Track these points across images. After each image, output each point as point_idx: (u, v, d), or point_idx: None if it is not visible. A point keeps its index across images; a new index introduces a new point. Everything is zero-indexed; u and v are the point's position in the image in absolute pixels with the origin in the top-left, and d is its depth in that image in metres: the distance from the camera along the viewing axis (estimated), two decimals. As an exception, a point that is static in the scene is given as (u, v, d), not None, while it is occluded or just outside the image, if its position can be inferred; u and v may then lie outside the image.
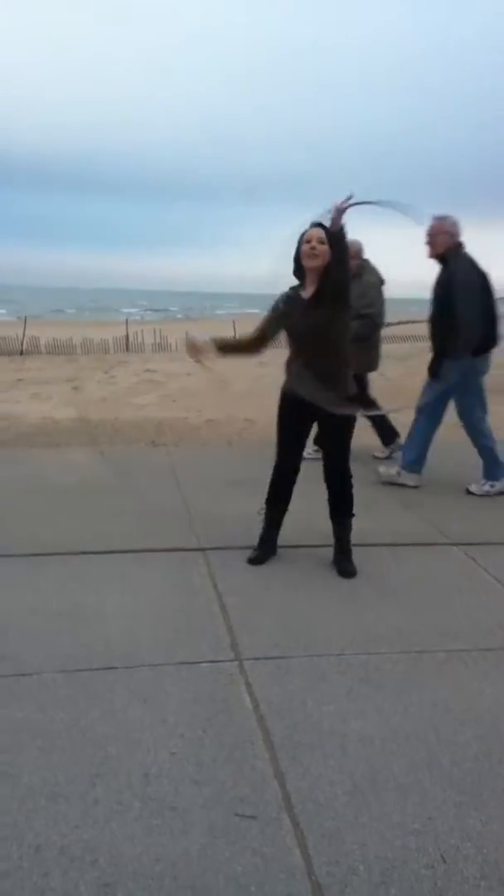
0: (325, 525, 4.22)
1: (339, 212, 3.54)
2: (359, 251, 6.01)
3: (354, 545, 4.11)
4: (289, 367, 3.98)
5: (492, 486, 5.50)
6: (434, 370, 5.38)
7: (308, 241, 3.75)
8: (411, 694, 2.89)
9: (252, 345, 4.01)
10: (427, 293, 5.36)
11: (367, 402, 5.99)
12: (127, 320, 30.22)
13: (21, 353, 24.12)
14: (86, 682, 2.91)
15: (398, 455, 6.08)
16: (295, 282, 3.93)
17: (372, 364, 6.21)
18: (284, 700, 2.82)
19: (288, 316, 3.89)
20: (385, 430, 6.48)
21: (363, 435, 5.88)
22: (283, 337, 3.99)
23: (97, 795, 2.30)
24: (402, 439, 6.13)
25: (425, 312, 5.43)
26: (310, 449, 6.06)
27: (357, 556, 4.09)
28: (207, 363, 3.94)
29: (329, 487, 4.06)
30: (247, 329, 4.23)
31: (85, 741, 2.56)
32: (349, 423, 3.96)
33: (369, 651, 3.21)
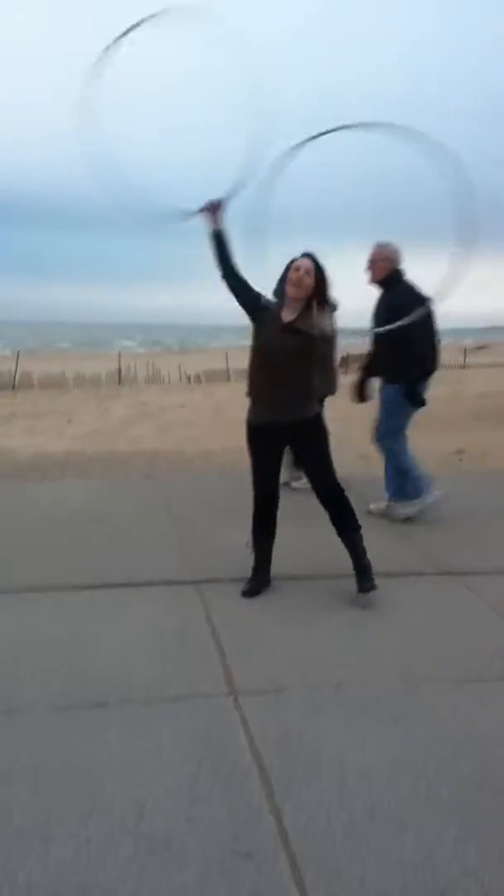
0: (319, 556, 4.21)
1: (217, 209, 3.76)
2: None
3: (350, 576, 4.08)
4: (253, 394, 4.03)
5: (388, 506, 5.48)
6: (414, 399, 5.40)
7: (297, 270, 3.79)
8: (409, 725, 2.86)
9: (231, 271, 3.94)
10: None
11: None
12: (119, 353, 30.36)
13: (14, 388, 24.17)
14: (78, 718, 2.87)
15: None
16: None
17: (329, 388, 6.16)
18: (280, 734, 2.79)
19: (262, 326, 3.91)
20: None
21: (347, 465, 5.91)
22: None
23: (90, 834, 2.26)
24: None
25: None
26: (304, 480, 6.09)
27: (352, 586, 4.06)
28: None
29: (326, 506, 4.04)
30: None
31: (77, 778, 2.52)
32: (322, 433, 3.99)
33: (366, 682, 3.18)
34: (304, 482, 5.90)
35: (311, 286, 3.77)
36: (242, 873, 2.12)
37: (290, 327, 3.81)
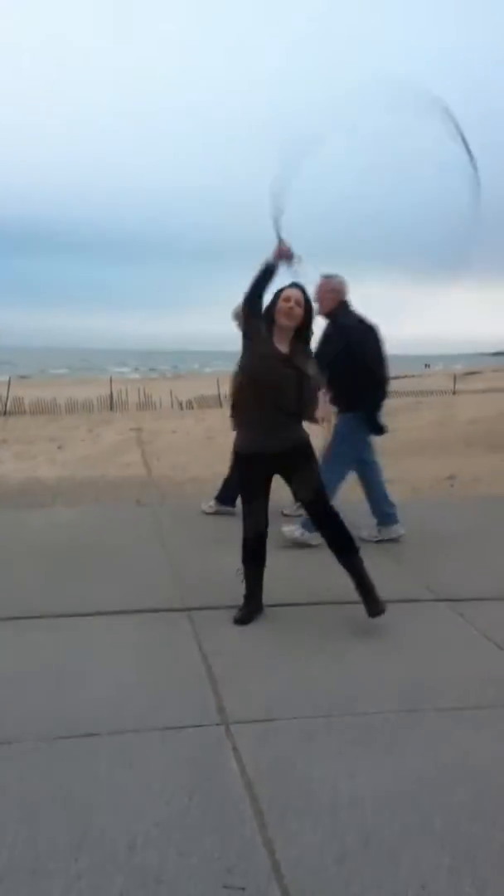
0: (311, 583, 4.20)
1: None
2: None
3: (342, 602, 4.07)
4: (244, 422, 4.03)
5: (301, 534, 5.40)
6: (377, 429, 5.45)
7: (287, 301, 3.82)
8: (402, 754, 2.84)
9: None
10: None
11: None
12: (111, 379, 30.43)
13: (5, 413, 24.16)
14: (68, 749, 2.84)
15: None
16: None
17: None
18: (272, 764, 2.76)
19: (259, 355, 3.90)
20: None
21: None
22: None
23: (80, 869, 2.22)
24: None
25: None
26: (294, 506, 6.08)
27: (344, 613, 4.05)
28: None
29: (322, 530, 4.05)
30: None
31: (67, 811, 2.49)
32: (314, 458, 4.03)
33: (358, 711, 3.16)
34: (296, 508, 5.89)
35: (301, 316, 3.82)
36: (235, 908, 2.09)
37: (288, 360, 3.84)
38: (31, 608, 4.20)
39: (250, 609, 4.11)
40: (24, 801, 2.53)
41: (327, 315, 5.39)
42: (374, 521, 5.64)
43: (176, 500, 7.15)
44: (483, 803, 2.56)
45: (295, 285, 3.87)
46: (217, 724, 3.04)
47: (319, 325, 5.39)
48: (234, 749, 2.86)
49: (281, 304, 3.83)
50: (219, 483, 6.32)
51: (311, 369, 3.93)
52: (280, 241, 3.79)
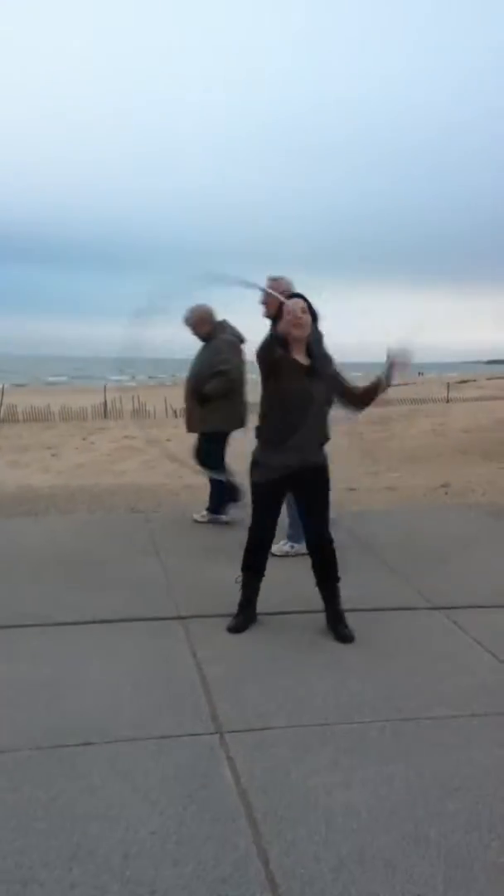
0: (304, 591, 4.19)
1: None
2: (209, 315, 6.12)
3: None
4: (268, 435, 3.98)
5: (291, 546, 5.40)
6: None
7: (289, 314, 3.81)
8: (397, 763, 2.84)
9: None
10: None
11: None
12: (105, 386, 30.38)
13: (-1, 421, 24.12)
14: (63, 758, 2.83)
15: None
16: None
17: (236, 421, 6.12)
18: (267, 773, 2.75)
19: (282, 375, 3.86)
20: (231, 491, 6.29)
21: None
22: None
23: (74, 879, 2.22)
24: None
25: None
26: (204, 513, 6.19)
27: (338, 621, 4.05)
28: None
29: (315, 555, 4.05)
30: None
31: (62, 820, 2.48)
32: (328, 481, 4.00)
33: (353, 720, 3.16)
34: (203, 515, 6.22)
35: (310, 322, 3.83)
36: (229, 918, 2.08)
37: (311, 370, 3.84)
38: (26, 617, 4.19)
39: (245, 617, 4.10)
40: (18, 811, 2.52)
41: (274, 319, 5.39)
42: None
43: (170, 509, 7.14)
44: (478, 812, 2.56)
45: (292, 295, 3.90)
46: (212, 733, 3.03)
47: (267, 327, 5.44)
48: (229, 758, 2.85)
49: (288, 317, 3.82)
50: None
51: (332, 369, 3.95)
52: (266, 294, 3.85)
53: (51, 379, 73.09)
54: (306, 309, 3.85)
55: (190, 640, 3.93)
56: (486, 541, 6.04)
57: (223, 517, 6.22)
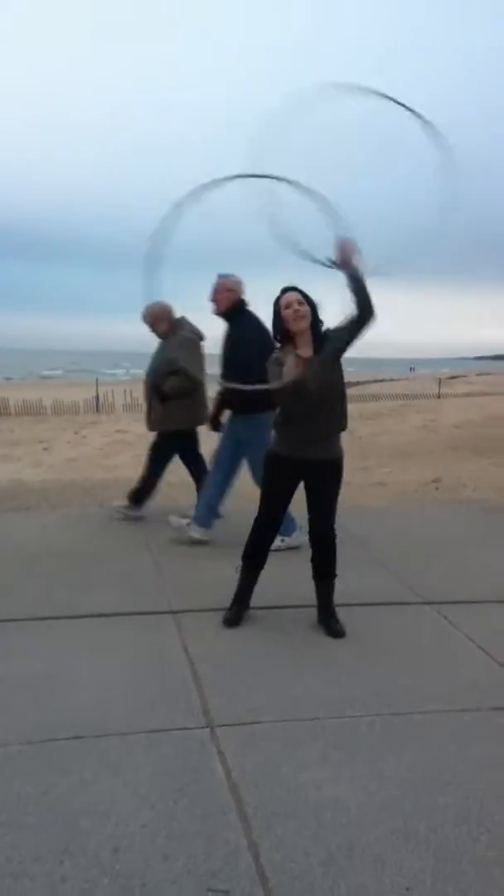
0: (298, 587, 4.20)
1: (347, 254, 3.60)
2: (167, 312, 6.06)
3: (327, 606, 4.08)
4: (284, 426, 3.97)
5: (282, 540, 5.35)
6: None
7: (288, 306, 3.80)
8: (387, 758, 2.85)
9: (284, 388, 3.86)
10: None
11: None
12: (97, 380, 30.33)
13: (-10, 415, 24.05)
14: (53, 753, 2.83)
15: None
16: None
17: (196, 418, 6.11)
18: (257, 768, 2.76)
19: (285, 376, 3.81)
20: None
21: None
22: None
23: (65, 872, 2.22)
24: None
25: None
26: (120, 502, 6.19)
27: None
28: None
29: (316, 549, 4.04)
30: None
31: (53, 815, 2.48)
32: (341, 477, 3.99)
33: (344, 714, 3.17)
34: (120, 505, 6.25)
35: (309, 311, 3.79)
36: (220, 912, 2.09)
37: (314, 359, 3.79)
38: (17, 611, 4.18)
39: (240, 608, 4.12)
40: (9, 805, 2.52)
41: (224, 315, 5.38)
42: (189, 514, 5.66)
43: (161, 503, 7.13)
44: (468, 807, 2.57)
45: (287, 289, 3.86)
46: (203, 728, 3.04)
47: (218, 325, 5.40)
48: (220, 753, 2.86)
49: (284, 313, 3.81)
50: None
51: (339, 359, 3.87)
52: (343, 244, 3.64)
53: (45, 373, 73.03)
54: (302, 301, 3.81)
55: (182, 634, 3.93)
56: (477, 536, 6.06)
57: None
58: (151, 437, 6.33)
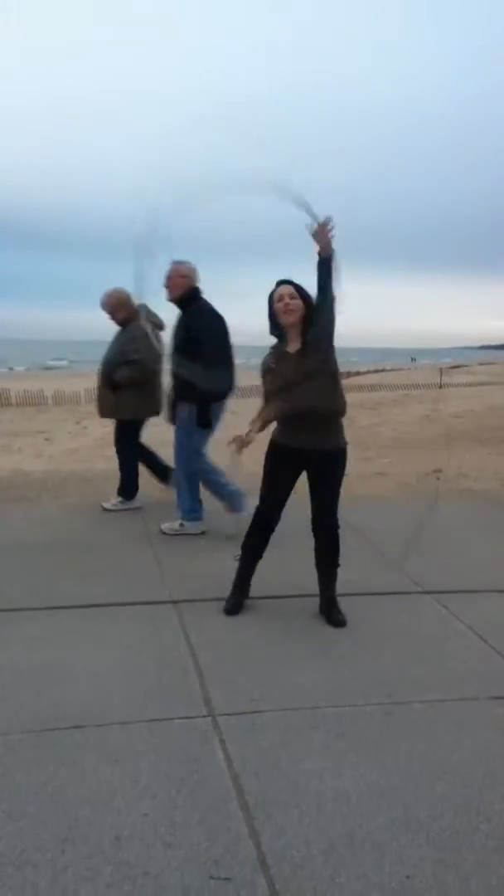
0: (299, 576, 4.21)
1: (324, 234, 3.57)
2: (126, 300, 6.07)
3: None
4: (282, 418, 3.97)
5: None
6: (203, 421, 5.39)
7: (280, 300, 3.81)
8: (387, 747, 2.86)
9: (271, 413, 3.96)
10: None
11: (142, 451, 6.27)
12: (97, 370, 30.28)
13: (-9, 405, 24.03)
14: (54, 743, 2.84)
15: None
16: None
17: (148, 410, 6.13)
18: (259, 757, 2.77)
19: (279, 372, 3.88)
20: (157, 469, 6.45)
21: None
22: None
23: (67, 861, 2.23)
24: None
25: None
26: (115, 501, 6.22)
27: (330, 606, 4.06)
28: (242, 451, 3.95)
29: (318, 539, 4.05)
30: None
31: (54, 804, 2.49)
32: (343, 467, 3.98)
33: (344, 704, 3.18)
34: (115, 502, 6.20)
35: (302, 307, 3.79)
36: (221, 900, 2.10)
37: (302, 355, 3.81)
38: (17, 601, 4.19)
39: (240, 596, 4.13)
40: (10, 794, 2.53)
41: (177, 302, 5.35)
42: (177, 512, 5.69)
43: (162, 494, 7.14)
44: (467, 795, 2.59)
45: (282, 282, 3.86)
46: (204, 717, 3.05)
47: (171, 311, 5.39)
48: (221, 742, 2.87)
49: (276, 306, 3.83)
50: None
51: (330, 351, 3.86)
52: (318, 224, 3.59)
53: (50, 363, 73.01)
54: (294, 294, 3.81)
55: (183, 624, 3.94)
56: (477, 526, 6.07)
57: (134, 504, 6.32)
58: (155, 427, 6.33)
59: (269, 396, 3.94)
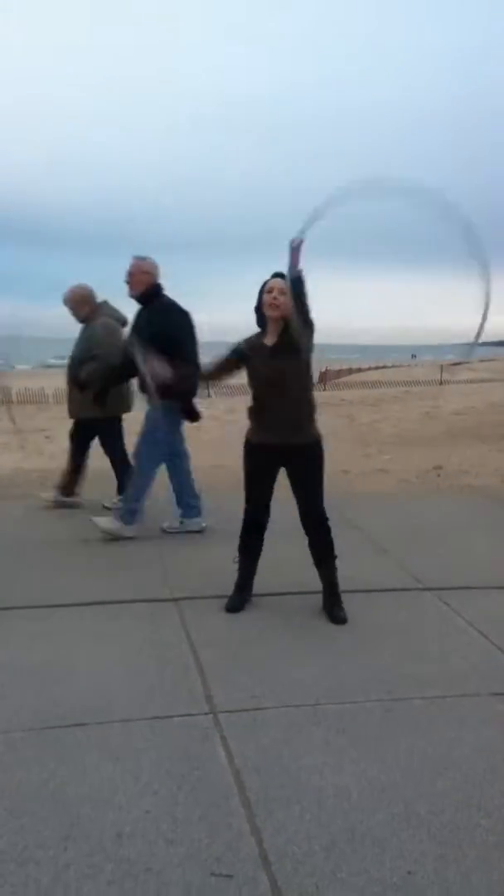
0: (298, 573, 4.21)
1: (296, 252, 3.50)
2: (89, 296, 6.01)
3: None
4: (253, 415, 4.03)
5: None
6: (192, 416, 5.42)
7: (269, 292, 3.81)
8: (388, 743, 2.86)
9: (210, 376, 4.23)
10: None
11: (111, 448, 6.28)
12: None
13: (-9, 404, 24.03)
14: (55, 740, 2.85)
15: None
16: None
17: (115, 408, 6.08)
18: (260, 754, 2.78)
19: (250, 362, 3.94)
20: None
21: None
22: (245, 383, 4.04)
23: (68, 858, 2.24)
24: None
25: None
26: (115, 499, 6.10)
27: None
28: None
29: (310, 534, 4.05)
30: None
31: (55, 802, 2.50)
32: (320, 459, 3.99)
33: (345, 700, 3.18)
34: (115, 501, 6.06)
35: (289, 305, 3.77)
36: (223, 896, 2.11)
37: (276, 351, 3.84)
38: (18, 599, 4.20)
39: (242, 596, 4.13)
40: (12, 792, 2.54)
41: (139, 298, 5.31)
42: (177, 510, 5.69)
43: (162, 492, 7.14)
44: (468, 791, 2.59)
45: (277, 274, 3.84)
46: (205, 714, 3.05)
47: (132, 307, 5.37)
48: (222, 738, 2.87)
49: (265, 296, 3.84)
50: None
51: (306, 354, 3.87)
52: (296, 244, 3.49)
53: (51, 361, 72.94)
54: (285, 290, 3.78)
55: (184, 621, 3.94)
56: (478, 523, 6.07)
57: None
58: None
59: (225, 369, 4.09)
